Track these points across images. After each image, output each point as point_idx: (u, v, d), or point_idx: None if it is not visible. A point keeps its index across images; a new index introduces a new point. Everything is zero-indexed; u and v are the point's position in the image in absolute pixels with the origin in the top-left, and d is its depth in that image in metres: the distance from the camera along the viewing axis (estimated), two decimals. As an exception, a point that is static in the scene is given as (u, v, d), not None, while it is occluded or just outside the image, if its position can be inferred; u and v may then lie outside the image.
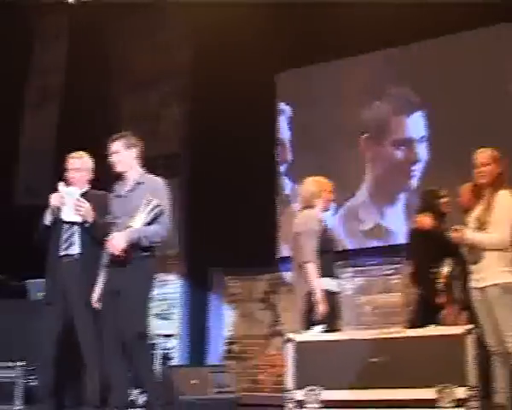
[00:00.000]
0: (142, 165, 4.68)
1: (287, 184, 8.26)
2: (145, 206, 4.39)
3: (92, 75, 9.11)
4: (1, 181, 8.43)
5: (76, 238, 4.80)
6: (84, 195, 4.89)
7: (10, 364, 6.13)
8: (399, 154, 7.59)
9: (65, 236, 4.81)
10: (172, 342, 8.26)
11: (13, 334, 6.02)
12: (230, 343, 8.20)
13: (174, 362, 8.05)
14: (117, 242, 4.34)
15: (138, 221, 4.39)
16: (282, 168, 8.32)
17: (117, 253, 4.32)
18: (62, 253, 4.79)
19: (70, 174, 4.96)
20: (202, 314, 8.44)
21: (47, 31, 9.62)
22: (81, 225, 4.77)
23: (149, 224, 4.40)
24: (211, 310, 8.42)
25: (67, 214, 4.78)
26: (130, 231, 4.35)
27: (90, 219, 4.72)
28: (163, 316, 8.47)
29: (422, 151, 7.45)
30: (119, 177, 4.65)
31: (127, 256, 4.34)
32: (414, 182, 7.42)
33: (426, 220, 4.96)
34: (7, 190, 8.77)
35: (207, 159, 8.52)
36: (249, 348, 8.05)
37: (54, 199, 4.82)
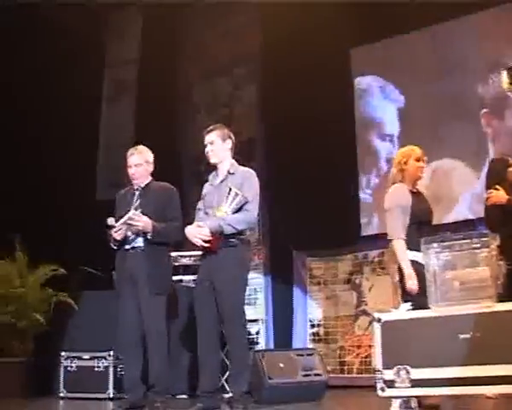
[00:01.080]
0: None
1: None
2: (228, 195, 4.56)
3: (165, 65, 9.27)
4: (84, 176, 8.69)
5: (140, 236, 5.01)
6: (146, 187, 5.15)
7: (102, 354, 6.40)
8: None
9: (130, 236, 5.03)
10: (258, 327, 8.38)
11: (103, 324, 6.25)
12: (316, 326, 8.19)
13: (260, 347, 8.14)
14: (202, 232, 4.53)
15: (222, 210, 4.56)
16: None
17: (202, 243, 4.50)
18: (127, 246, 5.04)
19: (131, 171, 5.15)
20: (286, 298, 8.44)
21: (119, 23, 9.83)
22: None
23: (236, 212, 4.59)
24: (294, 293, 8.40)
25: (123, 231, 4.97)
26: (212, 220, 4.52)
27: (149, 229, 4.92)
28: (247, 302, 8.50)
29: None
30: (214, 167, 4.86)
31: (214, 245, 4.49)
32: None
33: (501, 195, 4.80)
34: (90, 186, 9.03)
35: (283, 141, 8.52)
36: (335, 329, 8.01)
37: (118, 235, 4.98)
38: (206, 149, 4.82)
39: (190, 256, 6.68)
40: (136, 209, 5.02)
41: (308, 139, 8.13)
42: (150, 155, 5.28)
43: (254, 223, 4.82)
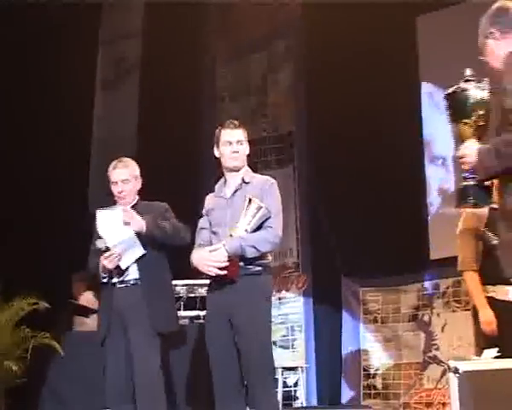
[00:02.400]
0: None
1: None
2: (247, 209, 4.46)
3: (178, 39, 9.23)
4: (73, 183, 8.67)
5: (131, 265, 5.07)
6: (133, 207, 5.22)
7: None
8: None
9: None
10: (296, 377, 8.30)
11: (97, 374, 6.14)
12: (372, 376, 8.10)
13: (299, 403, 8.06)
14: (217, 256, 4.41)
15: (241, 228, 4.45)
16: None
17: (218, 271, 4.40)
18: (116, 280, 5.08)
19: (117, 188, 5.21)
20: (333, 339, 8.39)
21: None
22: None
23: (255, 230, 4.52)
24: (344, 333, 8.34)
25: (108, 238, 5.03)
26: (231, 240, 4.42)
27: (143, 228, 5.01)
28: (282, 344, 8.50)
29: None
30: (220, 175, 4.87)
31: (233, 272, 4.40)
32: None
33: None
34: (81, 195, 9.00)
35: (330, 138, 8.44)
36: (396, 381, 7.93)
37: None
38: (231, 149, 4.77)
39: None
40: None
41: (362, 136, 8.05)
42: (138, 169, 5.36)
43: (278, 243, 4.74)
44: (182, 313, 6.66)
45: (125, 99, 9.57)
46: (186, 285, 6.76)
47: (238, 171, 4.78)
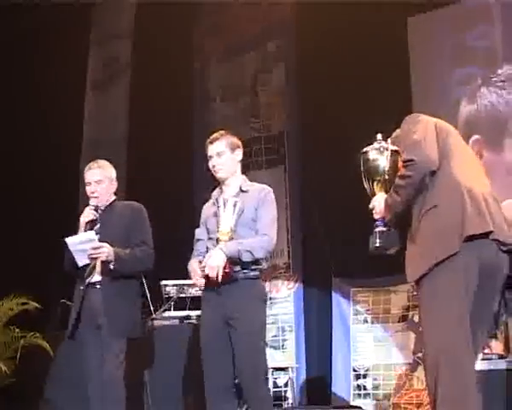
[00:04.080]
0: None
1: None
2: (224, 209, 4.68)
3: (169, 38, 9.20)
4: (65, 183, 8.64)
5: (98, 263, 5.16)
6: (108, 208, 5.36)
7: None
8: None
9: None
10: (286, 378, 8.27)
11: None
12: (362, 377, 8.05)
13: (289, 403, 8.04)
14: (214, 260, 4.50)
15: (225, 228, 4.64)
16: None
17: (215, 274, 4.45)
18: (87, 281, 5.19)
19: (90, 188, 5.31)
20: (324, 340, 8.35)
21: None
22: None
23: (245, 231, 4.66)
24: (334, 334, 8.28)
25: (81, 261, 5.15)
26: (228, 244, 4.55)
27: (111, 258, 5.08)
28: (273, 344, 8.47)
29: None
30: (218, 183, 4.94)
31: (229, 276, 4.49)
32: None
33: None
34: (72, 196, 8.97)
35: (321, 139, 8.42)
36: (387, 382, 7.88)
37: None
38: (212, 163, 4.83)
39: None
40: (96, 234, 5.14)
41: (354, 137, 7.98)
42: (113, 172, 5.45)
43: (272, 251, 4.88)
44: (172, 313, 6.64)
45: (116, 100, 9.51)
46: (176, 285, 6.75)
47: (230, 180, 4.85)
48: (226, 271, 4.50)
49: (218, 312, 4.63)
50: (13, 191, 8.01)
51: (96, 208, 5.27)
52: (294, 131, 9.02)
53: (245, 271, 4.60)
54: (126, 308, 5.19)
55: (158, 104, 9.01)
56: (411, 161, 3.54)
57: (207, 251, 4.71)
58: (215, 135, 4.89)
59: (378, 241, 3.79)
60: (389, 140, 3.92)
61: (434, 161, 3.57)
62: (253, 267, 4.64)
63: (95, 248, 5.02)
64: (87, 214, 5.19)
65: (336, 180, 8.13)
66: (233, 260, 4.53)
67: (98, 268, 5.14)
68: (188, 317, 6.61)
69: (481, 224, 3.50)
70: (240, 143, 4.95)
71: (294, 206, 8.76)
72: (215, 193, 4.93)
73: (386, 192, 3.80)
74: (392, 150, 3.82)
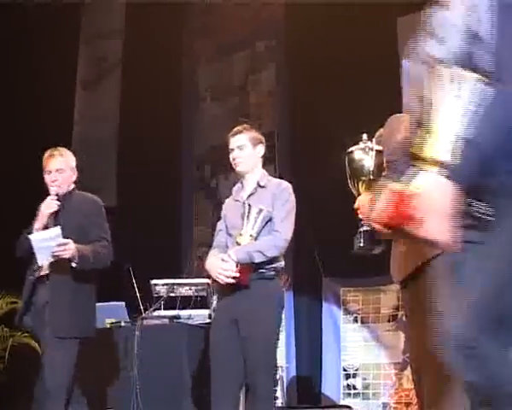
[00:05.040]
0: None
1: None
2: (248, 214, 4.59)
3: (159, 38, 9.19)
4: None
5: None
6: (67, 196, 5.23)
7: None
8: None
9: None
10: (276, 377, 8.25)
11: (82, 377, 6.11)
12: (351, 376, 8.05)
13: (279, 403, 8.02)
14: (227, 266, 4.54)
15: (246, 234, 4.64)
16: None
17: (227, 280, 4.45)
18: (37, 274, 5.09)
19: (50, 177, 5.18)
20: (313, 339, 8.35)
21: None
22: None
23: (261, 230, 4.65)
24: (324, 334, 8.27)
25: (42, 259, 4.97)
26: (238, 249, 4.53)
27: (76, 258, 4.96)
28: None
29: None
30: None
31: (244, 278, 4.54)
32: None
33: None
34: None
35: (312, 138, 8.42)
36: (376, 381, 7.88)
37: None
38: (233, 155, 4.81)
39: (190, 285, 6.62)
40: (56, 224, 5.02)
41: (347, 136, 7.97)
42: (74, 160, 5.36)
43: (286, 247, 4.79)
44: (162, 312, 6.62)
45: (106, 99, 9.52)
46: (166, 285, 6.73)
47: (250, 174, 4.87)
48: (238, 276, 4.50)
49: (229, 313, 4.63)
50: (4, 191, 7.97)
51: (58, 198, 5.13)
52: (285, 131, 9.01)
53: (261, 271, 4.59)
54: (75, 306, 5.07)
55: (148, 103, 9.00)
56: None
57: (227, 245, 4.76)
58: (237, 128, 4.91)
59: (362, 241, 3.77)
60: (374, 140, 3.93)
61: None
62: (268, 267, 4.62)
63: (60, 245, 4.87)
64: (50, 205, 5.05)
65: (326, 180, 8.12)
66: (247, 264, 4.54)
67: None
68: (178, 316, 6.59)
69: None
70: (262, 138, 4.96)
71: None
72: (236, 188, 4.94)
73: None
74: (377, 150, 3.83)
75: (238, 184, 4.96)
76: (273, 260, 4.63)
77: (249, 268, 4.54)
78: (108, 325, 6.51)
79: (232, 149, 4.84)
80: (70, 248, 4.89)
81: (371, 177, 3.80)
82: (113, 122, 9.32)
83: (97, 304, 6.52)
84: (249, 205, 4.64)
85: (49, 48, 8.50)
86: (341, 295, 8.29)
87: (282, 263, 4.75)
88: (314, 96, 8.33)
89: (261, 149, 4.91)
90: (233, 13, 9.60)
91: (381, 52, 8.02)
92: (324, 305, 8.35)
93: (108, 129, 9.28)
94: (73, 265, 4.95)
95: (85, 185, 8.92)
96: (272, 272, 4.65)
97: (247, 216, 4.63)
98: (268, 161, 8.90)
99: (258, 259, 4.54)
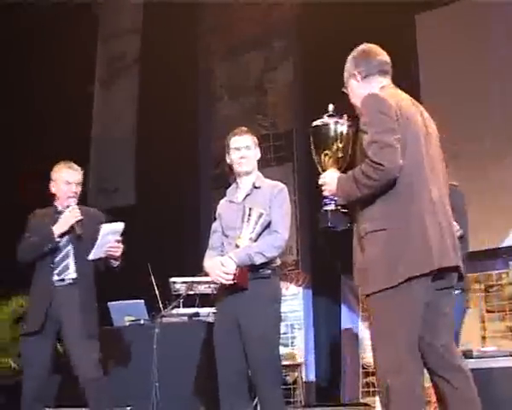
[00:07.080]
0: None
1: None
2: (248, 217, 4.56)
3: (176, 37, 9.21)
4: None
5: (71, 261, 5.13)
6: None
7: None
8: None
9: (58, 257, 5.14)
10: (295, 375, 8.26)
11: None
12: (371, 374, 7.92)
13: (298, 401, 8.03)
14: (226, 268, 4.52)
15: (245, 237, 4.60)
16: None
17: (226, 282, 4.48)
18: (56, 277, 5.11)
19: (72, 188, 5.28)
20: (332, 337, 8.38)
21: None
22: (75, 246, 5.12)
23: (260, 233, 4.61)
24: (343, 331, 8.30)
25: (96, 254, 5.06)
26: (238, 252, 4.54)
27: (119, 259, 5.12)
28: (282, 342, 8.38)
29: None
30: (233, 179, 4.96)
31: (243, 280, 4.53)
32: None
33: None
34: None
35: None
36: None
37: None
38: (241, 154, 4.83)
39: (209, 283, 6.62)
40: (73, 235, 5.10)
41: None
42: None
43: (284, 247, 4.81)
44: (181, 310, 6.63)
45: (124, 97, 9.54)
46: (185, 282, 6.73)
47: (248, 175, 4.85)
48: (237, 280, 4.49)
49: (230, 312, 4.62)
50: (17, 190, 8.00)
51: None
52: (302, 129, 9.02)
53: (258, 270, 4.57)
54: (90, 307, 5.16)
55: (165, 102, 9.00)
56: (381, 165, 3.35)
57: (223, 245, 4.76)
58: (241, 128, 4.93)
59: (327, 220, 3.74)
60: (345, 116, 3.89)
61: (400, 168, 3.40)
62: (267, 266, 4.61)
63: (118, 242, 5.02)
64: (75, 214, 5.11)
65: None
66: (247, 266, 4.53)
67: (73, 265, 5.10)
68: (197, 314, 6.58)
69: (444, 258, 3.39)
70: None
71: (302, 203, 8.75)
72: (231, 189, 4.93)
73: (338, 169, 3.78)
74: (347, 125, 3.82)
75: (233, 185, 4.96)
76: (271, 260, 4.64)
77: (248, 271, 4.54)
78: (128, 323, 6.52)
79: (238, 149, 4.85)
80: (121, 247, 5.05)
81: (339, 152, 3.80)
82: (131, 121, 9.34)
83: (117, 302, 6.61)
84: (250, 208, 4.64)
85: (66, 47, 8.53)
86: (360, 292, 8.27)
87: (278, 262, 4.74)
88: (329, 94, 8.30)
89: (258, 152, 4.95)
90: (248, 12, 9.61)
91: (399, 50, 8.01)
92: (343, 302, 8.36)
93: (126, 128, 9.30)
94: (115, 264, 5.10)
95: (103, 185, 9.03)
96: (268, 271, 4.63)
97: (248, 219, 4.63)
98: (287, 159, 9.00)
99: (258, 260, 4.55)
